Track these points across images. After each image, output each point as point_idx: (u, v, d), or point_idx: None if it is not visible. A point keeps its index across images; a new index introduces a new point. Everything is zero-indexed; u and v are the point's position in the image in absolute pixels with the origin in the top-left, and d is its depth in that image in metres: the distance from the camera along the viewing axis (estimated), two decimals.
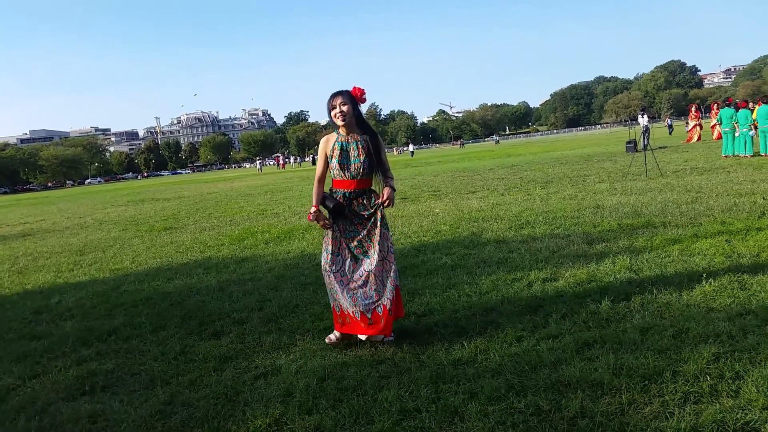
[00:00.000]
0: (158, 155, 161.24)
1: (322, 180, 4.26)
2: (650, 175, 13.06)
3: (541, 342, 3.84)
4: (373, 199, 4.20)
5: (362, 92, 4.12)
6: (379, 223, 4.15)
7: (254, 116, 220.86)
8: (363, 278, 4.09)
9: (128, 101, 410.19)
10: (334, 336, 4.29)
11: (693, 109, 29.64)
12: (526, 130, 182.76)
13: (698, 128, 28.00)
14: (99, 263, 9.15)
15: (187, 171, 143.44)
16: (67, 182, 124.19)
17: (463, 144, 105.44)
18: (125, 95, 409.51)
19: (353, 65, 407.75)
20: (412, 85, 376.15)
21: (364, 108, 4.30)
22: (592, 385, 3.17)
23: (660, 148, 22.91)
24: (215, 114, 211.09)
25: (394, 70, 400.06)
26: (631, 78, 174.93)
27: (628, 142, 22.79)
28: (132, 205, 24.18)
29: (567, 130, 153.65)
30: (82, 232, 14.76)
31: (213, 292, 6.26)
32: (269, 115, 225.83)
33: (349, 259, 4.17)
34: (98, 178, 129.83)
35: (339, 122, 4.08)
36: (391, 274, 4.11)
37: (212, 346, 4.49)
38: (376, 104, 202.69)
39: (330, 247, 4.18)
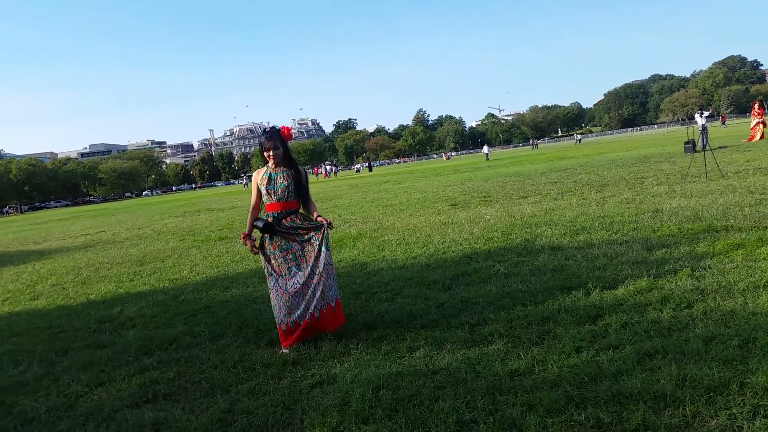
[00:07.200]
0: (212, 166, 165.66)
1: (255, 208, 4.88)
2: (710, 177, 12.60)
3: (601, 353, 3.75)
4: (304, 220, 4.75)
5: (290, 131, 4.87)
6: (318, 244, 4.64)
7: (303, 125, 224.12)
8: (296, 290, 4.60)
9: (183, 114, 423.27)
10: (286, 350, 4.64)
11: (756, 106, 28.46)
12: (580, 131, 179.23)
13: (761, 126, 26.84)
14: (158, 273, 9.45)
15: (240, 181, 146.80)
16: (126, 194, 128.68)
17: (536, 145, 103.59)
18: (180, 109, 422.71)
19: (400, 72, 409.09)
20: (460, 90, 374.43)
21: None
22: (655, 396, 3.08)
23: (720, 147, 22.10)
24: (266, 125, 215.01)
25: (442, 76, 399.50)
26: (688, 75, 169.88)
27: (687, 143, 22.07)
28: (188, 215, 24.86)
29: (622, 130, 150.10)
30: (141, 242, 15.27)
31: (268, 301, 6.32)
32: (318, 124, 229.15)
33: (284, 274, 4.65)
34: (155, 190, 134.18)
35: (271, 163, 4.75)
36: (320, 288, 4.62)
37: (269, 355, 4.57)
38: (423, 110, 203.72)
39: (270, 270, 4.70)
